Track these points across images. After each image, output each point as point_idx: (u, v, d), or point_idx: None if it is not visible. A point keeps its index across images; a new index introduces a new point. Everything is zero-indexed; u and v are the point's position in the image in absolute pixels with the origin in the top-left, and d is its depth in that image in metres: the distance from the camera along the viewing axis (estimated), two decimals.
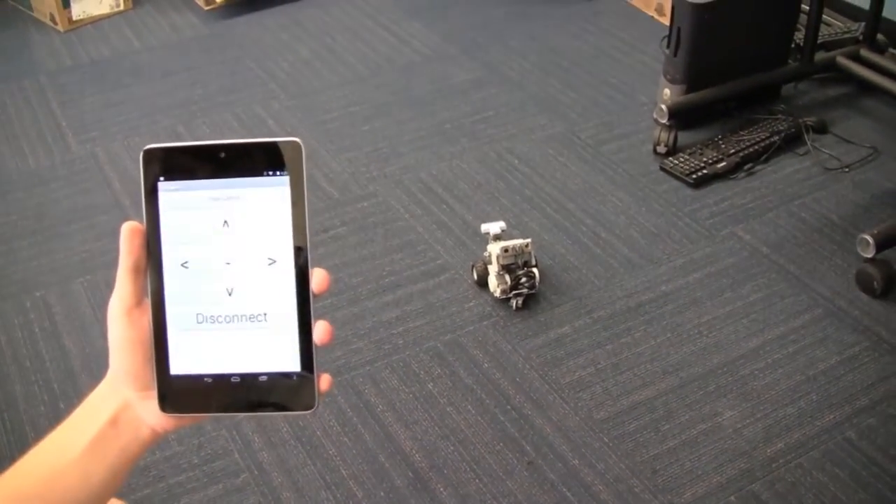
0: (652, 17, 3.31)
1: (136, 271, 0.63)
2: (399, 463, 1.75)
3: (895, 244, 2.10)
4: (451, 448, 1.78)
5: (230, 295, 0.64)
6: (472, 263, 2.16)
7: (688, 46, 2.52)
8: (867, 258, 2.10)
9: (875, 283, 2.07)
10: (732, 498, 1.67)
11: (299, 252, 0.63)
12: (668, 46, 2.59)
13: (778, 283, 2.14)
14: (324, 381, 0.65)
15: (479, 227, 2.19)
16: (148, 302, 0.64)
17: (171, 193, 0.63)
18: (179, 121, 2.81)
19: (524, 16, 3.36)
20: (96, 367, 1.97)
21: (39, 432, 1.85)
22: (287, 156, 0.63)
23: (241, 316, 0.64)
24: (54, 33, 3.36)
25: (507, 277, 2.04)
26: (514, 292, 2.05)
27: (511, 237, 2.13)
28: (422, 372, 1.94)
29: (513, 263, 2.04)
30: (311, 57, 3.15)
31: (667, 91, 2.61)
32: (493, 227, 2.10)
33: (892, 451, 1.74)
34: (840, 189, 2.43)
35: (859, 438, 1.77)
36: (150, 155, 0.63)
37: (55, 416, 1.87)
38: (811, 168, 2.51)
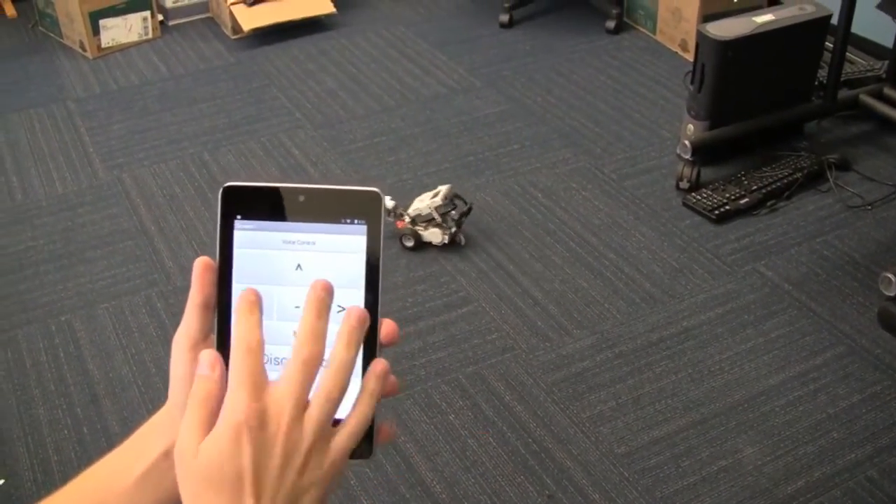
0: (676, 52, 3.33)
1: (206, 307, 0.63)
2: (420, 494, 1.75)
3: None
4: (472, 480, 1.78)
5: None
6: (399, 237, 2.35)
7: (711, 83, 2.53)
8: (889, 296, 2.09)
9: None
10: None
11: (370, 302, 0.63)
12: (691, 82, 2.61)
13: (799, 320, 2.14)
14: (384, 431, 0.63)
15: (501, 260, 2.23)
16: (213, 338, 0.64)
17: (247, 232, 0.63)
18: (205, 148, 2.85)
19: (549, 49, 3.38)
20: (120, 392, 1.99)
21: (63, 456, 1.87)
22: (365, 205, 0.63)
23: None
24: (83, 60, 3.41)
25: (447, 222, 2.29)
26: (455, 230, 2.30)
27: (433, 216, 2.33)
28: (444, 403, 1.95)
29: (446, 207, 2.31)
30: (336, 87, 3.18)
31: (690, 127, 2.63)
32: (388, 202, 2.30)
33: None
34: (862, 227, 2.43)
35: (881, 477, 1.76)
36: (229, 192, 0.63)
37: (78, 441, 1.89)
38: (833, 205, 2.51)
